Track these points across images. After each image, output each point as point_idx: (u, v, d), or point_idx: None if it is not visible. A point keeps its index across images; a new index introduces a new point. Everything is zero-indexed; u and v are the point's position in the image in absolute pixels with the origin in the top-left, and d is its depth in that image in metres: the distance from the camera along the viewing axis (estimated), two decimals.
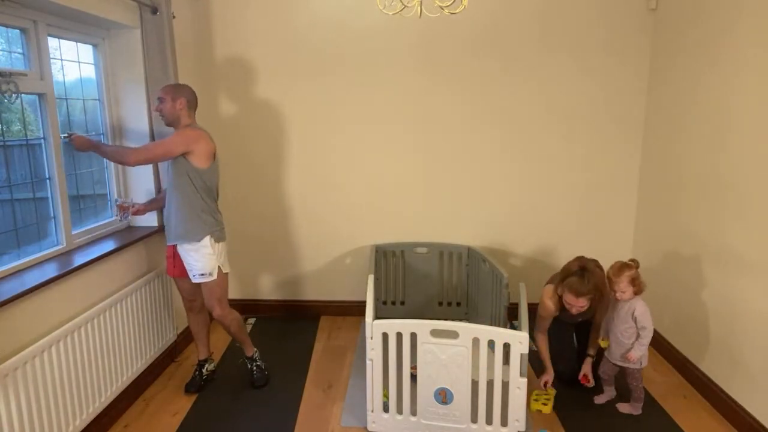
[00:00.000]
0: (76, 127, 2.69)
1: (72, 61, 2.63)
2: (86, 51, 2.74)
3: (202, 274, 2.57)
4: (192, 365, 3.05)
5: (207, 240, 2.56)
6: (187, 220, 2.53)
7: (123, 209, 2.67)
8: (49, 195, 2.42)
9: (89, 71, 2.77)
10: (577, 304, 2.49)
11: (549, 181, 3.59)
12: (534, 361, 3.07)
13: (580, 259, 2.58)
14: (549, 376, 2.69)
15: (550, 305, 2.65)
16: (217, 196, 2.69)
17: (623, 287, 2.47)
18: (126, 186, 2.96)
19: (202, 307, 2.80)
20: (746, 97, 2.46)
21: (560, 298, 2.58)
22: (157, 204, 2.82)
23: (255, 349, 2.93)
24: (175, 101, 2.51)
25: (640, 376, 2.54)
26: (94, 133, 2.81)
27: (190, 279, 2.63)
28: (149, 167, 2.93)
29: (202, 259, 2.56)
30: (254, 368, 2.90)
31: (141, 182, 2.96)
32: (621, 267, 2.50)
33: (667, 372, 3.03)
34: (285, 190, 3.65)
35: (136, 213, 2.71)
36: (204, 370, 2.88)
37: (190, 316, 2.85)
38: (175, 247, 2.62)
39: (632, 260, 2.54)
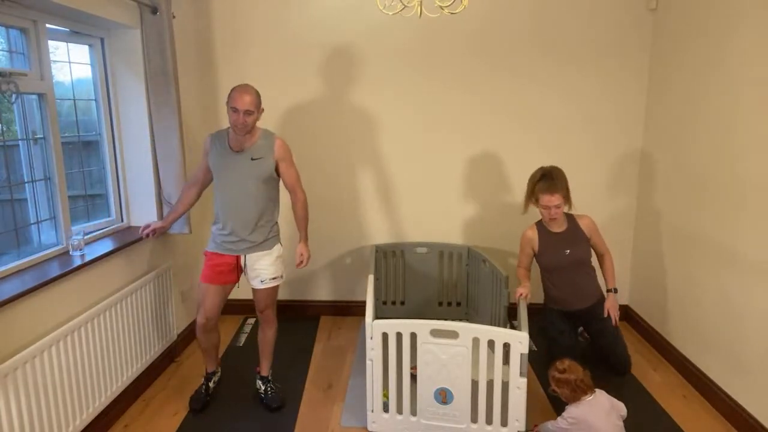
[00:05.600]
0: (71, 128, 2.69)
1: (65, 62, 2.63)
2: (82, 51, 2.73)
3: (274, 278, 2.60)
4: (192, 365, 3.05)
5: (279, 245, 2.63)
6: (269, 228, 2.56)
7: (151, 231, 2.63)
8: (49, 195, 2.42)
9: (84, 71, 2.76)
10: (554, 203, 2.70)
11: None
12: (534, 361, 3.08)
13: (540, 168, 2.82)
14: (525, 289, 2.75)
15: (528, 233, 2.91)
16: None
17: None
18: (126, 185, 2.96)
19: (215, 325, 2.66)
20: (747, 97, 2.46)
21: (540, 225, 2.88)
22: (175, 216, 2.70)
23: (270, 370, 2.80)
24: (260, 111, 2.41)
25: None
26: (94, 132, 2.82)
27: (225, 288, 2.59)
28: (150, 170, 2.93)
29: (275, 263, 2.59)
30: (269, 389, 2.73)
31: (140, 182, 2.96)
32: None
33: (667, 372, 3.03)
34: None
35: (160, 231, 2.67)
36: (211, 383, 2.76)
37: (205, 335, 2.65)
38: (239, 257, 2.55)
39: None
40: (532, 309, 2.87)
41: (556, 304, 2.87)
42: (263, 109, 2.45)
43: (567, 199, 2.79)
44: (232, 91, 2.35)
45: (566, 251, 2.80)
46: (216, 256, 2.54)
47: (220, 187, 2.51)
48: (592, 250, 2.91)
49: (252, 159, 2.45)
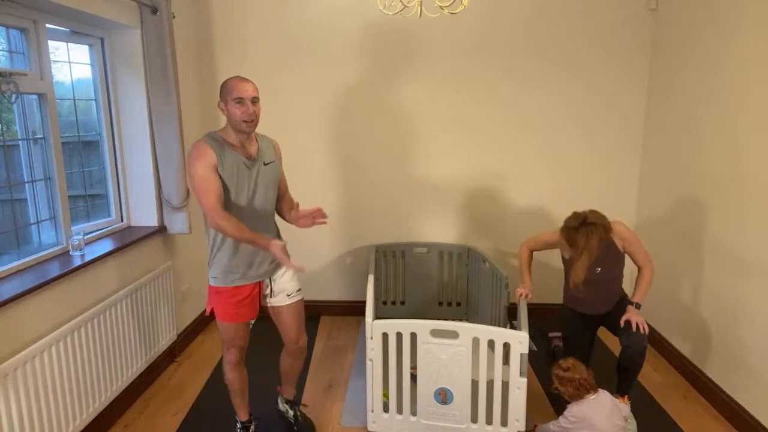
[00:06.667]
0: (71, 128, 2.69)
1: (65, 62, 2.63)
2: (82, 51, 2.73)
3: (299, 290, 2.30)
4: (192, 365, 3.04)
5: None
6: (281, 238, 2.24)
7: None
8: (50, 195, 2.42)
9: (84, 71, 2.76)
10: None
11: (549, 182, 3.59)
12: (534, 361, 3.07)
13: (575, 217, 2.46)
14: (525, 289, 2.65)
15: (552, 234, 2.67)
16: None
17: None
18: (126, 185, 2.96)
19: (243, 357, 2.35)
20: (748, 96, 2.46)
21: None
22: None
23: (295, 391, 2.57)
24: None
25: None
26: (94, 132, 2.82)
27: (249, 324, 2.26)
28: (150, 170, 2.93)
29: (294, 274, 2.29)
30: (298, 413, 2.51)
31: (140, 182, 2.96)
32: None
33: (667, 372, 3.03)
34: None
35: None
36: None
37: (238, 371, 2.31)
38: (261, 282, 2.22)
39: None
40: (532, 309, 2.87)
41: (576, 305, 2.73)
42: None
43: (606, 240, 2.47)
44: (226, 83, 2.02)
45: (597, 269, 2.56)
46: (238, 291, 2.14)
47: (240, 204, 2.08)
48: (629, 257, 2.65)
49: (265, 164, 2.14)
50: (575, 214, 2.48)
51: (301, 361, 2.43)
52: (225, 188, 2.03)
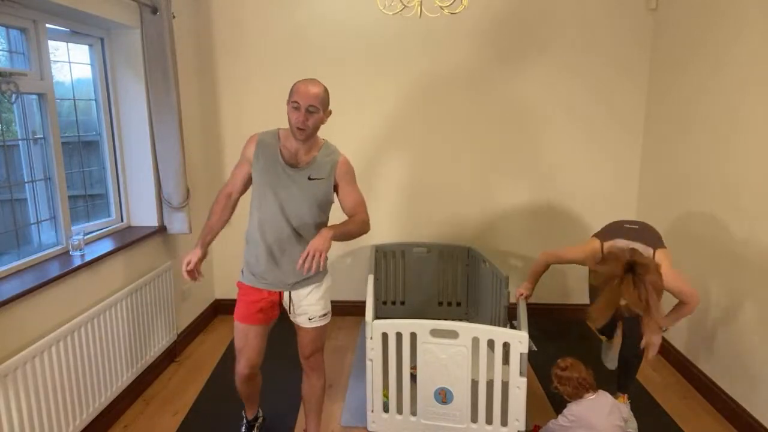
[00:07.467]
0: (71, 128, 2.69)
1: (65, 62, 2.63)
2: (82, 51, 2.73)
3: (324, 315, 2.16)
4: (192, 365, 3.04)
5: (329, 276, 2.20)
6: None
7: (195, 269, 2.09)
8: (49, 195, 2.42)
9: (84, 71, 2.76)
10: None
11: (549, 181, 3.59)
12: (534, 361, 3.07)
13: (626, 260, 2.11)
14: (526, 290, 2.61)
15: (576, 252, 2.46)
16: None
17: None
18: (126, 185, 2.96)
19: (258, 371, 2.28)
20: (748, 96, 2.46)
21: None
22: (213, 237, 2.16)
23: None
24: (326, 112, 1.99)
25: None
26: (94, 132, 2.82)
27: (268, 327, 2.19)
28: (150, 170, 2.93)
29: (324, 296, 2.15)
30: None
31: (140, 182, 2.96)
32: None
33: (667, 372, 3.03)
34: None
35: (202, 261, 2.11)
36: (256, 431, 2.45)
37: (247, 384, 2.25)
38: (281, 293, 2.11)
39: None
40: (532, 309, 2.87)
41: None
42: (330, 112, 2.02)
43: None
44: (294, 84, 1.95)
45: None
46: (253, 292, 2.09)
47: (264, 207, 2.01)
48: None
49: (310, 179, 2.01)
50: (616, 259, 2.14)
51: (318, 383, 2.26)
52: (258, 183, 2.03)
